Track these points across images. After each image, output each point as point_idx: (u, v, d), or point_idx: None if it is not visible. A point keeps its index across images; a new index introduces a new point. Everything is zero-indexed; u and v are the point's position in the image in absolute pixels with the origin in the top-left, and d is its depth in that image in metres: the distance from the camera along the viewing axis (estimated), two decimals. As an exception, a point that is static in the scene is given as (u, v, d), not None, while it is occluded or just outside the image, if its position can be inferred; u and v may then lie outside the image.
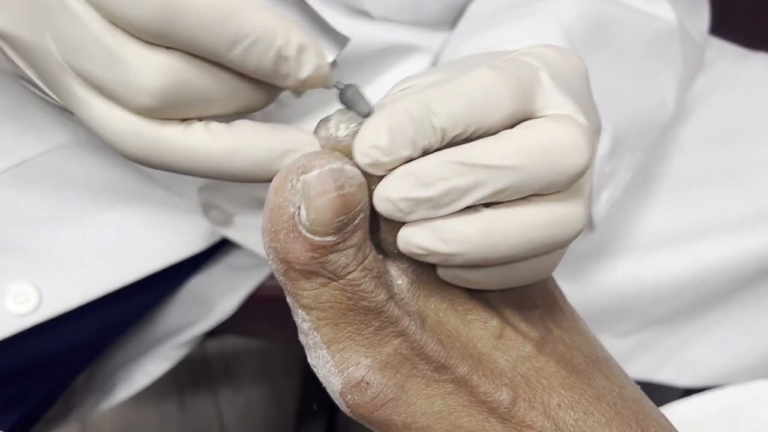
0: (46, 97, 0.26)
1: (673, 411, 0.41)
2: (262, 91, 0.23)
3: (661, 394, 0.53)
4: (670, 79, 0.45)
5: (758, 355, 0.52)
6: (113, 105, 0.22)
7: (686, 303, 0.50)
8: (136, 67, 0.21)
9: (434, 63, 0.47)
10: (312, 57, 0.22)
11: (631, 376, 0.55)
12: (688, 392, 0.51)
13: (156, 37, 0.21)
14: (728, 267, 0.49)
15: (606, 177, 0.40)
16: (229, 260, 0.56)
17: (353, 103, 0.23)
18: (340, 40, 0.24)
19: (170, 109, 0.22)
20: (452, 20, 0.47)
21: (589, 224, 0.42)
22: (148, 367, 0.56)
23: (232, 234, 0.50)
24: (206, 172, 0.23)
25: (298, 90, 0.23)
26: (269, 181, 0.23)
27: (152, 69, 0.21)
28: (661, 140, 0.50)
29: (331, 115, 0.24)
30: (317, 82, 0.23)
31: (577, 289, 0.49)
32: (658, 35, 0.44)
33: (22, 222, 0.45)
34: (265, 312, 0.58)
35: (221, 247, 0.54)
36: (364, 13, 0.46)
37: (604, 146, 0.39)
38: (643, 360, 0.53)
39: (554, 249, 0.23)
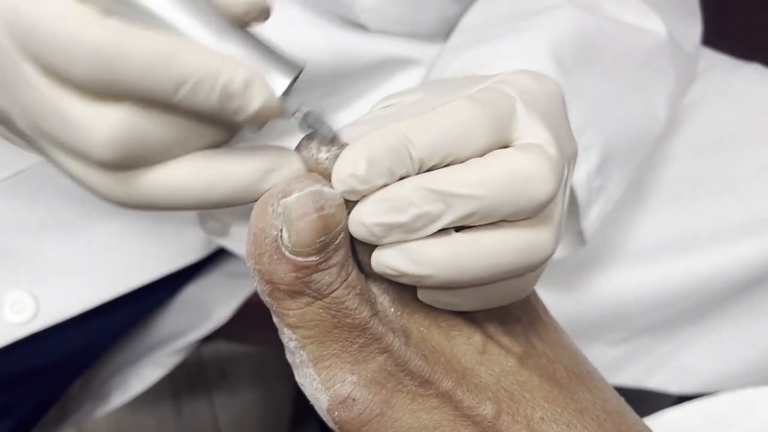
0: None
1: (665, 418, 0.41)
2: (221, 128, 0.23)
3: (655, 401, 0.53)
4: (662, 92, 0.45)
5: (750, 362, 0.53)
6: (83, 161, 0.22)
7: (679, 311, 0.51)
8: (87, 124, 0.21)
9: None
10: (259, 90, 0.22)
11: (623, 383, 0.55)
12: (681, 399, 0.52)
13: (101, 89, 0.21)
14: (720, 275, 0.49)
15: (596, 191, 0.41)
16: (226, 268, 0.56)
17: (316, 129, 0.23)
18: (292, 67, 0.23)
19: (133, 158, 0.22)
20: (447, 32, 0.48)
21: (581, 240, 0.42)
22: (144, 372, 0.57)
23: (228, 244, 0.50)
24: (192, 206, 0.23)
25: (253, 124, 0.23)
26: (256, 201, 0.23)
27: (102, 124, 0.21)
28: (654, 150, 0.51)
29: (313, 135, 0.24)
30: (270, 113, 0.22)
31: (570, 298, 0.50)
32: (648, 49, 0.45)
33: (20, 231, 0.45)
34: (260, 318, 0.58)
35: (217, 255, 0.54)
36: (360, 26, 0.46)
37: (592, 161, 0.39)
38: (635, 367, 0.54)
39: (522, 273, 0.24)
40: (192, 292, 0.54)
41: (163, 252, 0.49)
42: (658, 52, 0.45)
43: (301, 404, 0.93)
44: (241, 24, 0.23)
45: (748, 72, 0.54)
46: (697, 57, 0.51)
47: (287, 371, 0.26)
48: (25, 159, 0.45)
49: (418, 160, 0.22)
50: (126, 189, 0.22)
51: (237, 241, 0.50)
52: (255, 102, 0.22)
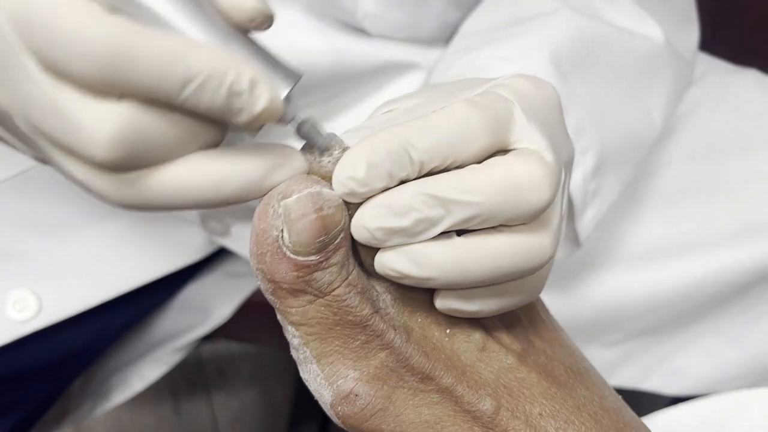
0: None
1: (659, 419, 0.42)
2: (216, 129, 0.23)
3: (650, 402, 0.54)
4: (658, 97, 0.46)
5: (744, 364, 0.53)
6: (83, 163, 0.22)
7: (672, 314, 0.51)
8: (87, 123, 0.21)
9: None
10: (265, 90, 0.22)
11: (618, 385, 0.56)
12: (675, 401, 0.52)
13: (105, 87, 0.21)
14: (714, 279, 0.50)
15: (591, 194, 0.41)
16: (226, 267, 0.56)
17: (310, 137, 0.24)
18: (292, 75, 0.24)
19: (134, 159, 0.22)
20: (447, 37, 0.49)
21: (576, 242, 0.43)
22: (144, 371, 0.57)
23: (230, 243, 0.51)
24: (198, 205, 0.23)
25: (253, 125, 0.23)
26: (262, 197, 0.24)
27: (104, 122, 0.21)
28: (650, 155, 0.51)
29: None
30: (272, 115, 0.22)
31: (567, 300, 0.50)
32: (646, 54, 0.45)
33: (23, 231, 0.46)
34: (260, 317, 0.59)
35: (218, 255, 0.55)
36: (362, 31, 0.47)
37: (588, 164, 0.40)
38: (630, 369, 0.54)
39: (522, 276, 0.24)
40: (193, 291, 0.55)
41: (164, 252, 0.49)
42: (655, 57, 0.46)
43: (300, 403, 0.94)
44: (244, 31, 0.23)
45: (745, 78, 0.55)
46: (694, 62, 0.51)
47: (285, 371, 0.27)
48: (28, 159, 0.46)
49: (419, 162, 0.23)
50: (130, 191, 0.22)
51: (238, 240, 0.50)
52: (260, 102, 0.22)
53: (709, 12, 0.55)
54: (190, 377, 1.03)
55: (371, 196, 0.23)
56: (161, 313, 0.55)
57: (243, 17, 0.23)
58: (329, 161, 0.24)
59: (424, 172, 0.23)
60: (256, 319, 0.59)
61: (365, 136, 0.23)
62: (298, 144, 0.25)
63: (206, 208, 0.23)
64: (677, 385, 0.54)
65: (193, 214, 0.49)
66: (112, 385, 0.57)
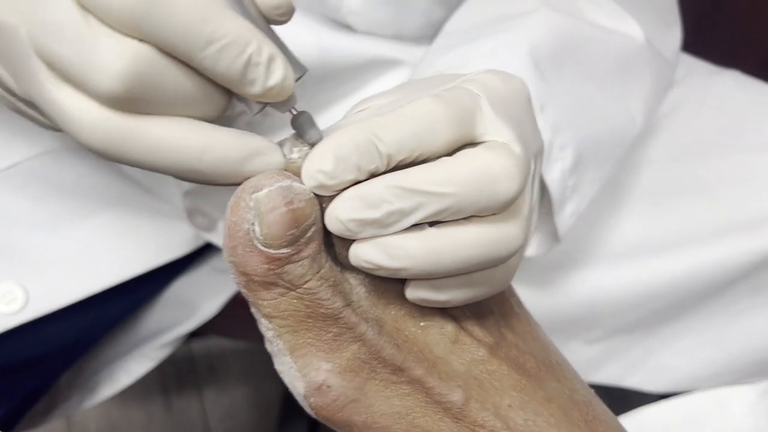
0: (8, 96, 0.26)
1: (641, 416, 0.42)
2: (223, 99, 0.24)
3: (639, 398, 0.54)
4: (638, 95, 0.46)
5: (725, 362, 0.54)
6: (81, 94, 0.23)
7: (653, 311, 0.52)
8: (106, 50, 0.22)
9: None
10: (280, 67, 0.23)
11: (601, 382, 0.56)
12: (663, 397, 0.53)
13: (132, 28, 0.22)
14: (695, 277, 0.50)
15: (570, 190, 0.42)
16: (213, 263, 0.57)
17: (304, 130, 0.25)
18: (300, 67, 0.25)
19: (135, 101, 0.22)
20: (432, 35, 0.49)
21: (555, 237, 0.44)
22: (132, 366, 0.57)
23: (215, 239, 0.51)
24: (175, 167, 0.23)
25: (260, 100, 0.24)
26: (233, 184, 0.24)
27: (122, 54, 0.22)
28: (632, 153, 0.52)
29: (287, 137, 0.25)
30: (281, 93, 0.24)
31: (547, 296, 0.51)
32: (625, 53, 0.46)
33: (10, 224, 0.46)
34: (248, 313, 0.59)
35: (205, 250, 0.55)
36: (347, 27, 0.47)
37: (567, 160, 0.41)
38: (612, 366, 0.55)
39: (494, 264, 0.25)
40: (179, 286, 0.55)
41: (151, 246, 0.49)
42: (635, 55, 0.46)
43: (290, 400, 0.94)
44: (267, 19, 0.25)
45: (726, 79, 0.55)
46: (675, 63, 0.52)
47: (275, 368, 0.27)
48: (17, 153, 0.46)
49: (386, 155, 0.23)
50: (117, 134, 0.23)
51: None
52: (275, 76, 0.23)
53: (695, 14, 0.56)
54: (182, 373, 1.04)
55: (344, 189, 0.24)
56: (148, 309, 0.55)
57: (270, 4, 0.25)
58: (299, 157, 0.25)
59: (393, 164, 0.24)
60: (245, 315, 0.59)
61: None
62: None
63: (180, 177, 0.24)
64: (659, 382, 0.55)
65: (180, 208, 0.50)
66: (100, 379, 0.57)
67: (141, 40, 0.22)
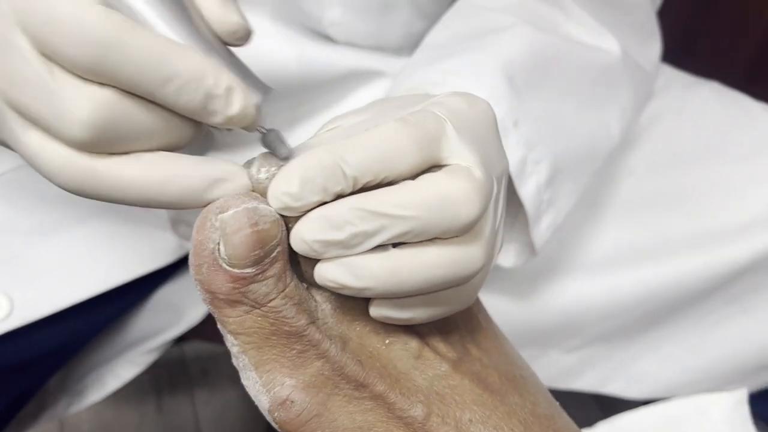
0: None
1: (619, 422, 0.43)
2: (189, 127, 0.25)
3: (625, 404, 0.55)
4: (615, 108, 0.47)
5: (702, 369, 0.54)
6: (48, 137, 0.23)
7: (631, 320, 0.53)
8: (71, 100, 0.22)
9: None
10: (239, 97, 0.24)
11: (580, 389, 0.57)
12: (643, 405, 0.53)
13: (92, 74, 0.22)
14: (673, 287, 0.51)
15: (546, 203, 0.42)
16: (198, 270, 0.57)
17: (273, 147, 0.25)
18: (263, 88, 0.26)
19: (103, 142, 0.23)
20: (413, 46, 0.49)
21: (531, 250, 0.44)
22: (119, 370, 0.58)
23: (199, 247, 0.52)
24: (140, 201, 0.24)
25: (224, 128, 0.25)
26: (203, 207, 0.25)
27: (86, 102, 0.22)
28: (611, 164, 0.53)
29: (256, 157, 0.26)
30: (243, 120, 0.24)
31: (526, 306, 0.52)
32: (602, 67, 0.46)
33: (-5, 234, 0.47)
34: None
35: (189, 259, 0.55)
36: (328, 39, 0.48)
37: (542, 175, 0.41)
38: (591, 374, 0.56)
39: (456, 284, 0.26)
40: (165, 293, 0.56)
41: (136, 255, 0.50)
42: (611, 69, 0.47)
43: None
44: (225, 43, 0.26)
45: (704, 90, 0.56)
46: (656, 74, 0.52)
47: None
48: (1, 164, 0.47)
49: (352, 177, 0.24)
50: (82, 175, 0.24)
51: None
52: (234, 106, 0.24)
53: (682, 24, 0.56)
54: (174, 376, 1.04)
55: (309, 210, 0.24)
56: (134, 315, 0.56)
57: (226, 30, 0.25)
58: (267, 177, 0.25)
59: (359, 186, 0.24)
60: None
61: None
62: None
63: (149, 207, 0.25)
64: (638, 390, 0.56)
65: (164, 219, 0.50)
66: (88, 384, 0.58)
67: (102, 84, 0.23)
